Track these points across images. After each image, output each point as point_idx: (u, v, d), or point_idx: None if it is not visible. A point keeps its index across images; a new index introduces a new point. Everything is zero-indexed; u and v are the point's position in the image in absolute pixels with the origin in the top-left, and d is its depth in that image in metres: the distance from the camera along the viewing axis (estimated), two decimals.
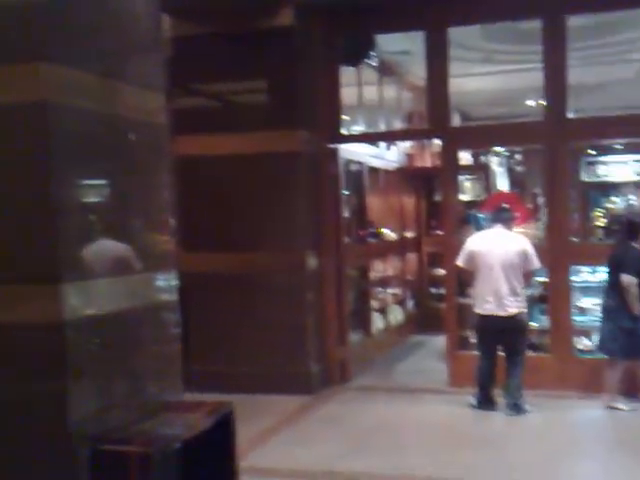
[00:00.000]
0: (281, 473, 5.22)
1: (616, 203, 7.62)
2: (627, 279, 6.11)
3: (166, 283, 4.27)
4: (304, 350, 7.25)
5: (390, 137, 9.16)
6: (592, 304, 7.37)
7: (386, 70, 8.96)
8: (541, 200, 7.61)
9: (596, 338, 6.77)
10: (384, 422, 6.33)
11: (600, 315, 6.48)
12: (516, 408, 6.29)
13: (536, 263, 6.33)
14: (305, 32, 7.16)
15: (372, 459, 5.41)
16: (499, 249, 6.29)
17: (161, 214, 4.30)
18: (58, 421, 3.45)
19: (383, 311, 9.38)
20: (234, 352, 7.27)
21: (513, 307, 6.24)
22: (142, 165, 4.08)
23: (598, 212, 7.39)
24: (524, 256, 6.27)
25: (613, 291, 6.24)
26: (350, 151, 8.14)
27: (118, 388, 3.89)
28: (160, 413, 4.12)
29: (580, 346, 7.13)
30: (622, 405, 6.28)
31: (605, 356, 6.42)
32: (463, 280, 7.01)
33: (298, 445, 5.74)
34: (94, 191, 3.76)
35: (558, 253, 6.88)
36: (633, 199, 7.75)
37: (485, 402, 6.46)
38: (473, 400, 6.50)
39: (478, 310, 6.42)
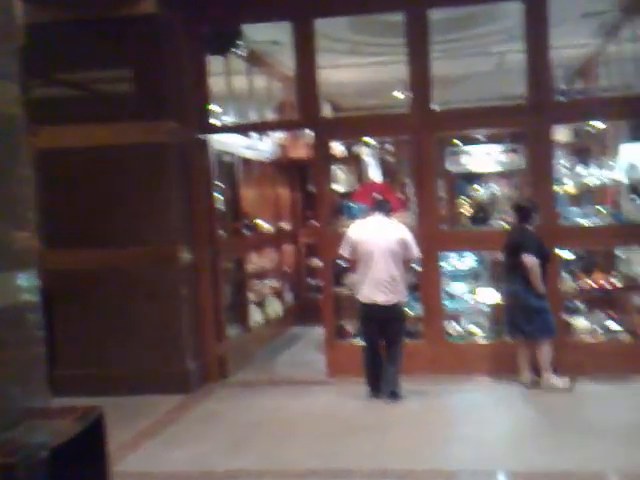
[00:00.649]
0: (157, 476, 5.09)
1: (479, 192, 7.96)
2: (530, 260, 6.36)
3: (27, 282, 4.06)
4: (180, 347, 7.11)
5: (261, 128, 9.11)
6: (461, 289, 7.70)
7: (255, 60, 8.89)
8: (411, 190, 7.80)
9: (466, 322, 7.06)
10: (264, 417, 6.31)
11: (505, 300, 6.73)
12: (394, 395, 6.42)
13: (416, 252, 6.48)
14: (169, 20, 7.02)
15: (252, 455, 5.37)
16: (380, 238, 6.36)
17: (20, 209, 4.07)
18: None
19: (261, 304, 9.35)
20: (106, 353, 7.07)
21: (394, 295, 6.36)
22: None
23: (463, 200, 7.68)
24: (404, 245, 6.39)
25: (515, 275, 6.47)
26: (221, 142, 8.04)
27: None
28: (25, 420, 3.95)
29: (451, 331, 7.40)
30: (559, 382, 6.53)
31: (520, 339, 6.65)
32: (344, 269, 7.07)
33: (175, 446, 5.62)
34: None
35: (428, 241, 7.08)
36: (495, 188, 8.13)
37: (373, 389, 6.57)
38: (369, 390, 6.61)
39: (360, 298, 6.47)
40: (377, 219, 6.52)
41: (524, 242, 6.43)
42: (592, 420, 5.78)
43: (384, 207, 6.57)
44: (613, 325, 7.04)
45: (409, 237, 6.43)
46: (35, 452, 3.60)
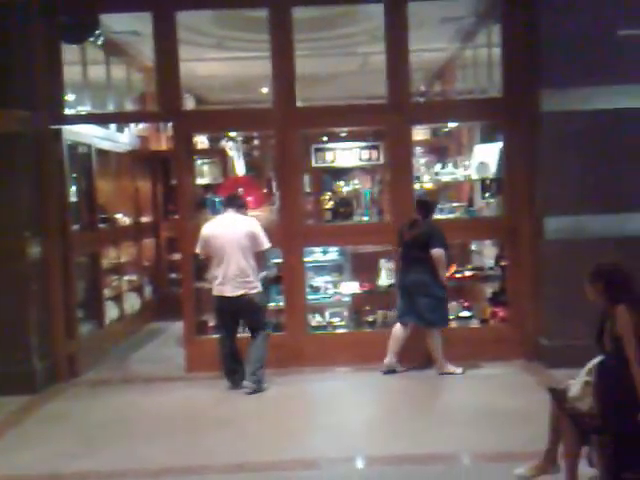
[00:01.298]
0: None
1: (342, 187, 8.14)
2: (439, 252, 6.67)
3: None
4: (26, 346, 6.81)
5: (119, 119, 8.86)
6: (324, 282, 7.86)
7: (114, 50, 8.67)
8: (275, 184, 7.86)
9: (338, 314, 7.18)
10: (117, 415, 6.13)
11: (406, 289, 6.83)
12: (257, 386, 6.48)
13: (265, 244, 6.60)
14: (24, 7, 6.77)
15: (102, 455, 5.19)
16: (229, 233, 6.51)
17: None
18: None
19: (118, 299, 9.08)
20: None
21: (243, 288, 6.48)
22: None
23: (326, 196, 7.83)
24: (253, 238, 6.53)
25: (423, 266, 6.69)
26: (77, 132, 7.78)
27: None
28: None
29: (313, 323, 7.55)
30: (454, 368, 6.79)
31: (408, 325, 6.83)
32: (202, 264, 7.02)
33: (19, 449, 5.36)
34: None
35: (292, 235, 7.19)
36: (357, 183, 8.35)
37: (231, 383, 6.62)
38: (227, 382, 6.64)
39: (214, 292, 6.59)
40: (229, 215, 6.66)
41: (433, 236, 6.71)
42: (446, 405, 6.07)
43: (235, 202, 6.71)
44: (465, 313, 7.46)
45: (258, 230, 6.58)
46: None
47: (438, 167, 8.03)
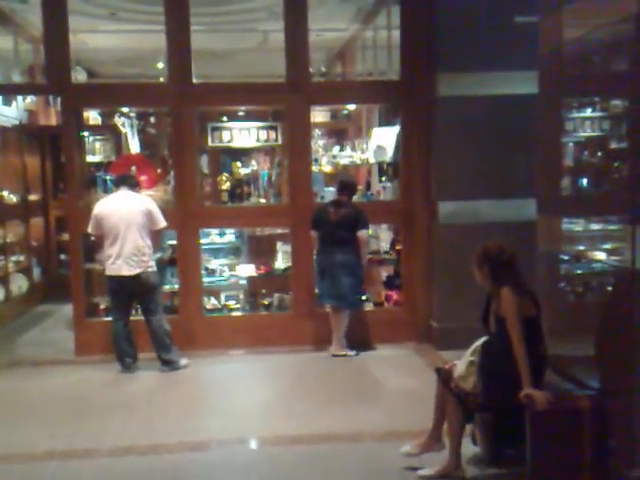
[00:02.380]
0: None
1: (240, 168, 8.07)
2: (365, 234, 6.82)
3: None
4: None
5: (3, 90, 8.46)
6: (220, 265, 7.80)
7: (1, 18, 8.27)
8: (170, 163, 7.70)
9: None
10: (1, 400, 5.92)
11: (328, 273, 6.83)
12: (166, 363, 6.53)
13: (161, 222, 6.53)
14: None
15: None
16: (123, 211, 6.42)
17: None
18: None
19: (4, 281, 8.75)
20: None
21: (138, 267, 6.41)
22: None
23: (224, 176, 7.74)
24: (149, 216, 6.46)
25: (348, 247, 6.75)
26: None
27: None
28: None
29: (208, 305, 7.49)
30: (347, 351, 6.86)
31: (345, 309, 6.88)
32: (93, 245, 6.86)
33: None
34: None
35: (187, 216, 7.10)
36: (255, 164, 8.29)
37: (125, 365, 6.56)
38: (118, 365, 6.56)
39: (107, 272, 6.50)
40: (122, 193, 6.56)
41: (360, 218, 6.80)
42: (338, 385, 6.13)
43: (127, 181, 6.63)
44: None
45: (154, 208, 6.51)
46: None
47: (336, 150, 8.08)
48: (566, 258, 7.40)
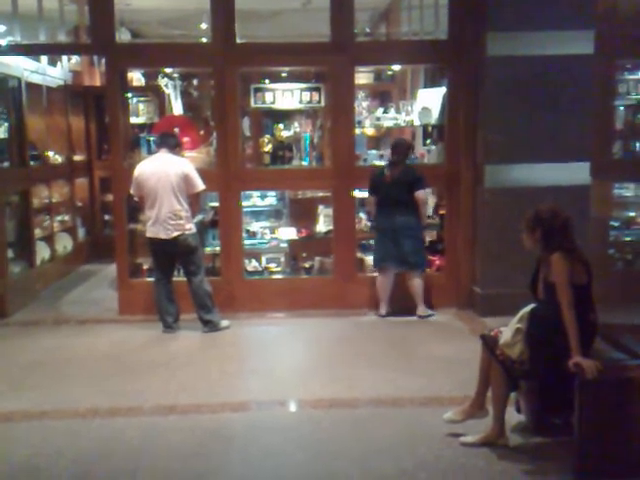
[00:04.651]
0: None
1: (282, 130, 7.92)
2: (423, 194, 6.72)
3: None
4: None
5: (48, 50, 8.28)
6: (261, 227, 7.71)
7: None
8: (212, 125, 7.59)
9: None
10: (45, 356, 5.98)
11: (387, 235, 6.73)
12: (210, 325, 6.53)
13: (199, 185, 6.44)
14: None
15: (30, 396, 5.07)
16: (161, 173, 6.37)
17: None
18: None
19: (49, 240, 8.78)
20: None
21: (175, 230, 6.37)
22: None
23: (265, 138, 7.61)
24: (185, 179, 6.38)
25: (407, 208, 6.64)
26: (6, 65, 7.40)
27: None
28: None
29: (249, 268, 7.42)
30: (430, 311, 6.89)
31: (391, 270, 6.82)
32: (137, 205, 6.84)
33: None
34: None
35: (229, 178, 7.01)
36: (298, 126, 8.13)
37: (166, 325, 6.59)
38: (161, 325, 6.61)
39: (147, 234, 6.49)
40: (161, 155, 6.49)
41: (417, 177, 6.69)
42: (380, 350, 6.03)
43: (168, 142, 6.53)
44: None
45: (191, 171, 6.42)
46: None
47: (380, 112, 7.87)
48: (617, 224, 7.21)
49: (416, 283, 6.84)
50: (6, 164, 7.57)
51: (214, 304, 6.57)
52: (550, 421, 4.24)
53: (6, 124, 7.85)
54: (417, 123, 7.63)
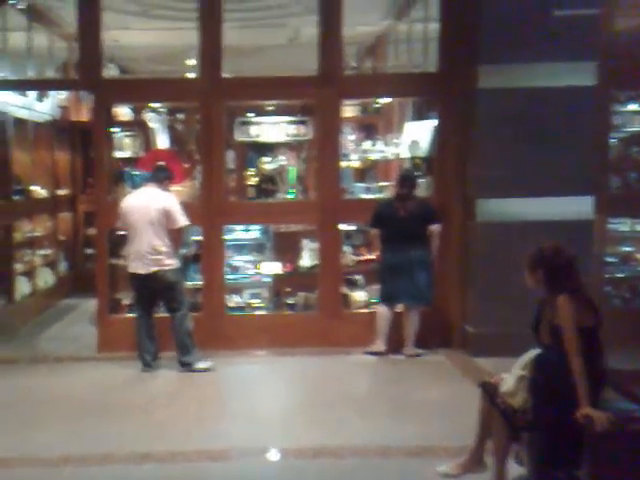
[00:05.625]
0: None
1: (267, 163, 7.51)
2: (439, 228, 6.33)
3: None
4: None
5: (36, 85, 8.06)
6: (244, 262, 7.26)
7: (37, 15, 7.88)
8: (198, 159, 7.19)
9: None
10: (18, 397, 5.50)
11: (399, 270, 6.27)
12: (183, 364, 6.08)
13: (181, 221, 6.06)
14: None
15: (4, 440, 4.58)
16: (143, 208, 6.06)
17: None
18: None
19: (31, 274, 8.28)
20: None
21: (155, 265, 6.02)
22: None
23: (250, 171, 7.20)
24: (167, 214, 6.01)
25: (421, 242, 6.25)
26: None
27: None
28: None
29: (231, 303, 6.92)
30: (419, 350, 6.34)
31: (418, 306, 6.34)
32: (119, 240, 6.49)
33: None
34: None
35: (212, 212, 6.63)
36: (283, 159, 7.72)
37: (146, 364, 6.14)
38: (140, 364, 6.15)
39: (130, 269, 6.16)
40: (146, 190, 6.17)
41: (431, 211, 6.34)
42: (367, 393, 5.62)
43: (158, 177, 6.20)
44: None
45: (174, 206, 6.06)
46: None
47: (367, 144, 7.46)
48: (614, 260, 6.77)
49: (413, 319, 6.35)
50: None
51: (193, 344, 6.09)
52: (554, 475, 3.72)
53: None
54: (405, 156, 7.22)
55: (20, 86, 7.78)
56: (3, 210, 7.55)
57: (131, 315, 6.43)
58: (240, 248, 7.35)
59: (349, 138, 7.66)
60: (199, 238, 6.82)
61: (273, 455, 4.40)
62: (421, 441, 4.44)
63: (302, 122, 7.30)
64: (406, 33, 7.68)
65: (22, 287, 7.98)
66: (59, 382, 5.90)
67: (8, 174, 7.71)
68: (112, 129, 7.29)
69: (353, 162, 7.38)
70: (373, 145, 7.49)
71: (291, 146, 8.02)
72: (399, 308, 6.44)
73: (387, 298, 6.42)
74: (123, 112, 9.04)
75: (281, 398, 5.52)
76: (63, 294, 9.11)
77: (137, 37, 8.92)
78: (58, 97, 9.47)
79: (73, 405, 5.31)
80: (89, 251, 9.51)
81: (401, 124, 7.97)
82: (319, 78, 6.60)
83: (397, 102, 8.32)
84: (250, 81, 7.06)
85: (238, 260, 7.24)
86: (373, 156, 7.38)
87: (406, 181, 6.37)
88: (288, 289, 7.06)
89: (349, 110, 8.43)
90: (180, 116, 9.33)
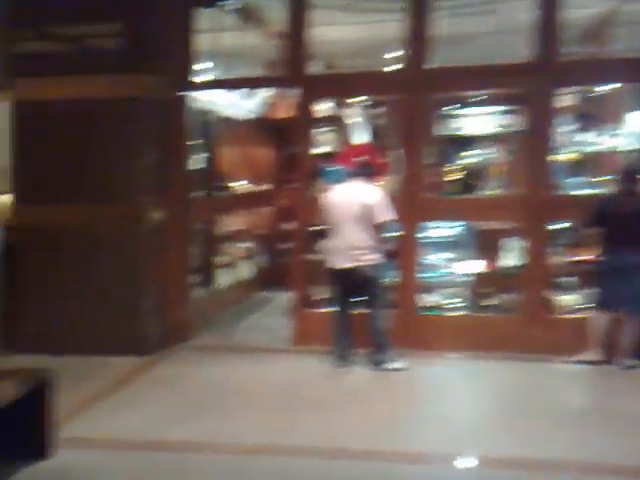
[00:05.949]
0: (101, 443, 4.53)
1: (471, 157, 7.29)
2: None
3: None
4: (140, 308, 6.67)
5: (243, 84, 8.44)
6: (441, 260, 7.11)
7: (248, 15, 8.29)
8: (398, 153, 7.19)
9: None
10: (218, 385, 5.80)
11: (622, 273, 5.92)
12: (377, 362, 6.06)
13: (383, 215, 6.06)
14: None
15: (198, 426, 4.83)
16: (348, 203, 6.12)
17: None
18: None
19: (231, 267, 8.81)
20: (66, 312, 6.60)
21: (356, 260, 6.06)
22: None
23: (450, 166, 7.05)
24: (370, 209, 6.05)
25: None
26: (203, 99, 7.61)
27: None
28: None
29: (426, 303, 6.80)
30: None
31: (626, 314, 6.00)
32: (316, 235, 6.65)
33: (122, 411, 5.13)
34: None
35: (411, 207, 6.58)
36: (488, 152, 7.45)
37: (340, 359, 6.21)
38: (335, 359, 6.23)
39: (330, 264, 6.21)
40: (353, 184, 6.23)
41: None
42: (575, 403, 5.33)
43: (364, 171, 6.26)
44: None
45: (380, 201, 6.06)
46: None
47: (584, 136, 7.01)
48: None
49: (632, 328, 5.89)
50: (199, 193, 7.67)
51: (389, 342, 6.07)
52: None
53: (202, 155, 8.01)
54: (627, 148, 6.68)
55: (231, 85, 8.21)
56: (207, 205, 8.04)
57: (325, 310, 6.53)
58: (437, 245, 7.19)
59: (563, 129, 7.24)
60: (397, 234, 6.78)
61: (468, 462, 4.24)
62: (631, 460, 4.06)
63: (508, 112, 7.00)
64: (630, 14, 7.13)
65: (223, 278, 8.47)
66: (253, 371, 6.15)
67: (214, 171, 8.20)
68: (312, 124, 7.45)
69: (565, 155, 6.95)
70: (591, 136, 7.01)
71: (497, 138, 7.73)
72: (617, 315, 5.95)
73: (605, 304, 5.95)
74: (321, 108, 9.27)
75: (477, 405, 5.34)
76: (259, 287, 9.52)
77: (339, 32, 9.11)
78: (263, 95, 9.95)
79: (267, 395, 5.50)
80: (284, 246, 9.95)
81: (622, 114, 7.42)
82: (532, 65, 6.33)
83: (617, 90, 7.76)
84: (456, 71, 6.92)
85: (434, 258, 7.10)
86: (589, 148, 6.90)
87: (632, 175, 5.90)
88: (487, 290, 6.81)
89: (564, 99, 7.97)
90: (379, 109, 9.37)
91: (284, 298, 8.10)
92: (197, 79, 7.26)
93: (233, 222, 8.94)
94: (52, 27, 6.75)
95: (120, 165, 6.56)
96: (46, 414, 4.15)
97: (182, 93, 6.95)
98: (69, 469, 4.11)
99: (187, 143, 7.10)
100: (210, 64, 8.04)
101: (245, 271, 9.25)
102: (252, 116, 9.48)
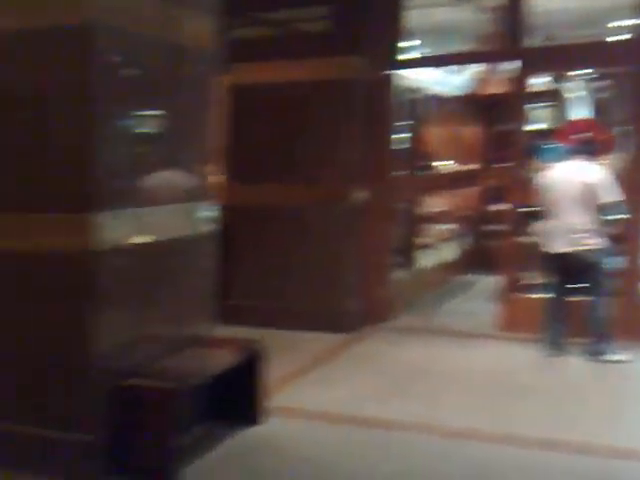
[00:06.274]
0: (306, 414, 4.72)
1: None
2: None
3: (206, 214, 4.32)
4: (343, 287, 6.85)
5: (457, 60, 8.35)
6: None
7: None
8: (625, 129, 6.76)
9: None
10: (421, 366, 5.80)
11: None
12: (595, 353, 5.79)
13: (607, 195, 5.72)
14: None
15: (403, 405, 4.85)
16: (568, 183, 5.86)
17: (206, 143, 4.36)
18: (81, 353, 3.51)
19: (433, 248, 8.76)
20: (272, 287, 6.98)
21: (576, 244, 5.78)
22: (190, 93, 4.14)
23: None
24: (594, 188, 5.74)
25: None
26: (411, 77, 7.63)
27: (148, 320, 3.89)
28: (188, 348, 4.15)
29: None
30: None
31: None
32: (530, 216, 6.41)
33: (326, 385, 5.27)
34: (142, 120, 3.82)
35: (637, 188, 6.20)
36: None
37: (553, 347, 5.98)
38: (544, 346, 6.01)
39: (546, 248, 5.99)
40: (574, 162, 5.94)
41: None
42: None
43: (586, 149, 5.97)
44: None
45: (604, 180, 5.72)
46: (191, 379, 3.80)
47: None
48: None
49: None
50: (403, 173, 7.72)
51: (609, 332, 5.75)
52: None
53: (407, 134, 8.04)
54: None
55: (444, 61, 8.22)
56: (411, 185, 8.06)
57: (537, 296, 6.31)
58: None
59: None
60: (622, 217, 6.37)
61: None
62: None
63: None
64: None
65: (425, 259, 8.46)
66: (457, 356, 6.08)
67: (418, 150, 8.21)
68: (528, 100, 7.25)
69: None
70: None
71: None
72: None
73: None
74: (539, 82, 8.93)
75: None
76: (462, 269, 9.40)
77: (558, 1, 8.74)
78: (472, 71, 9.78)
79: (472, 380, 5.40)
80: (489, 227, 9.73)
81: None
82: None
83: None
84: None
85: None
86: None
87: None
88: None
89: None
90: (603, 83, 8.85)
91: (488, 282, 8.02)
92: (405, 57, 7.29)
93: (437, 202, 8.89)
94: (262, 13, 7.11)
95: (328, 146, 6.75)
96: (258, 383, 4.36)
97: (389, 72, 7.00)
98: (278, 436, 4.29)
99: (392, 122, 7.14)
100: (417, 41, 8.05)
101: (448, 253, 9.17)
102: (460, 93, 9.37)
